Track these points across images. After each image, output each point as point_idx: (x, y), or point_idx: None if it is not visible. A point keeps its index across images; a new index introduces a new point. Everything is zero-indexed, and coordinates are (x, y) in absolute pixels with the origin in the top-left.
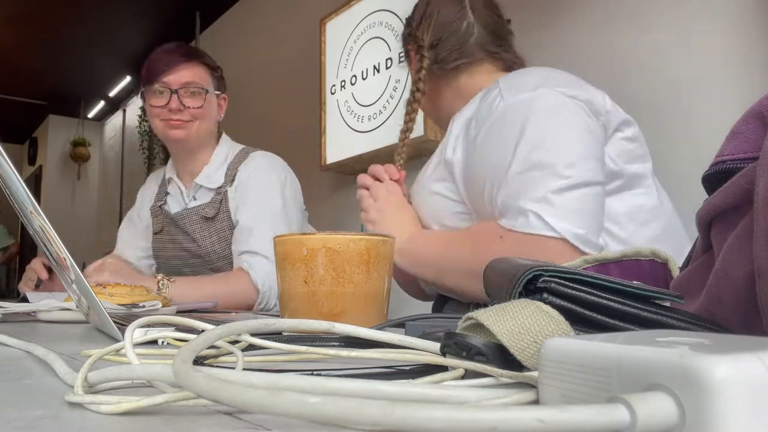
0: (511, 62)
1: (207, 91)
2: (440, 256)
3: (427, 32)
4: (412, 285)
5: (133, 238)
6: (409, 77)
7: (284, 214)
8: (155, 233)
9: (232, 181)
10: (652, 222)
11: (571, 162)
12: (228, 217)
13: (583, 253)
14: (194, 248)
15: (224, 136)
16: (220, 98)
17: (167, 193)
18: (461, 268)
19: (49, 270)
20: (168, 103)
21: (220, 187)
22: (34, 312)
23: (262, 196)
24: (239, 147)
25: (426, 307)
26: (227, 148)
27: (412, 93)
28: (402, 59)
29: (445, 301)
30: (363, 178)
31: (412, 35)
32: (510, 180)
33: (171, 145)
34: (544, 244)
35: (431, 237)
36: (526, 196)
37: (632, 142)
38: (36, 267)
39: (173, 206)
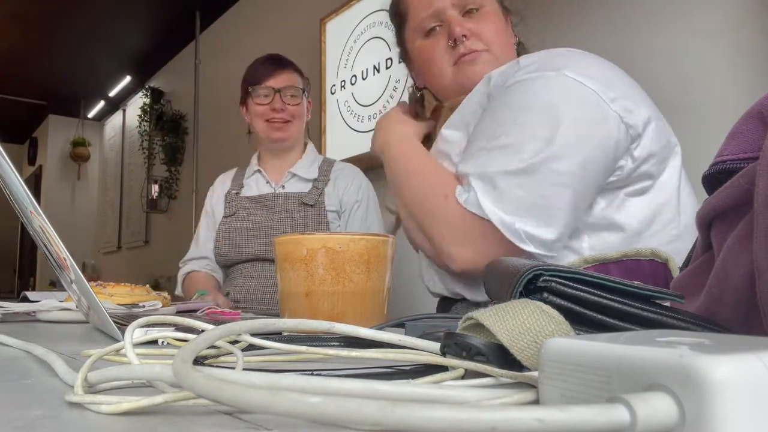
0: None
1: (303, 91)
2: (400, 174)
3: None
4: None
5: (212, 231)
6: (409, 77)
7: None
8: (225, 216)
9: (327, 180)
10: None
11: (536, 146)
12: (323, 209)
13: (510, 242)
14: (279, 226)
15: (310, 143)
16: (306, 101)
17: (242, 185)
18: (407, 203)
19: None
20: (272, 101)
21: (316, 180)
22: (34, 312)
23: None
24: (321, 155)
25: (426, 307)
26: (315, 153)
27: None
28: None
29: (453, 302)
30: None
31: None
32: (475, 151)
33: (272, 144)
34: (464, 216)
35: (410, 150)
36: (477, 171)
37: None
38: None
39: (253, 192)
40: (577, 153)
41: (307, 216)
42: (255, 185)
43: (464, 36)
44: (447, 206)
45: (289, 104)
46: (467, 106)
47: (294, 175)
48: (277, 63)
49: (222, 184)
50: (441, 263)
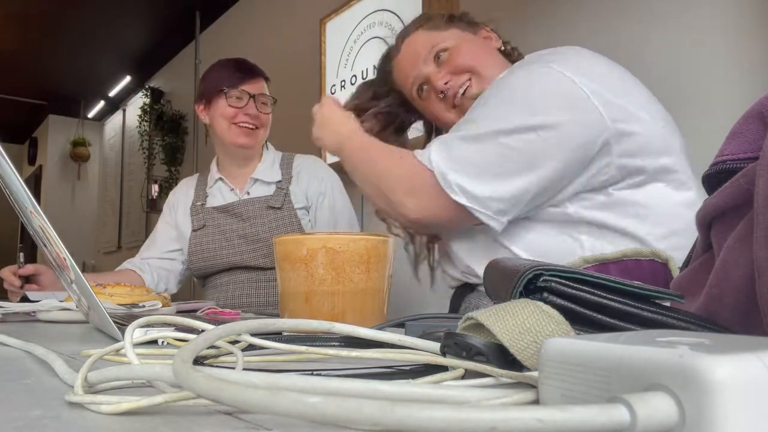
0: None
1: (274, 102)
2: (364, 159)
3: None
4: None
5: (168, 236)
6: None
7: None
8: (195, 230)
9: (290, 178)
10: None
11: (493, 120)
12: (291, 208)
13: (446, 194)
14: (251, 233)
15: (269, 144)
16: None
17: (206, 195)
18: (371, 173)
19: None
20: (245, 106)
21: (280, 182)
22: (34, 312)
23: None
24: (279, 152)
25: (426, 307)
26: (273, 152)
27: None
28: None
29: (471, 289)
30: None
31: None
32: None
33: (235, 150)
34: (416, 169)
35: (367, 139)
36: (440, 137)
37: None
38: (8, 278)
39: (218, 201)
40: (532, 133)
41: (277, 219)
42: (219, 194)
43: (446, 83)
44: (403, 163)
45: (261, 112)
46: None
47: (257, 180)
48: (252, 69)
49: (185, 194)
50: (397, 215)
